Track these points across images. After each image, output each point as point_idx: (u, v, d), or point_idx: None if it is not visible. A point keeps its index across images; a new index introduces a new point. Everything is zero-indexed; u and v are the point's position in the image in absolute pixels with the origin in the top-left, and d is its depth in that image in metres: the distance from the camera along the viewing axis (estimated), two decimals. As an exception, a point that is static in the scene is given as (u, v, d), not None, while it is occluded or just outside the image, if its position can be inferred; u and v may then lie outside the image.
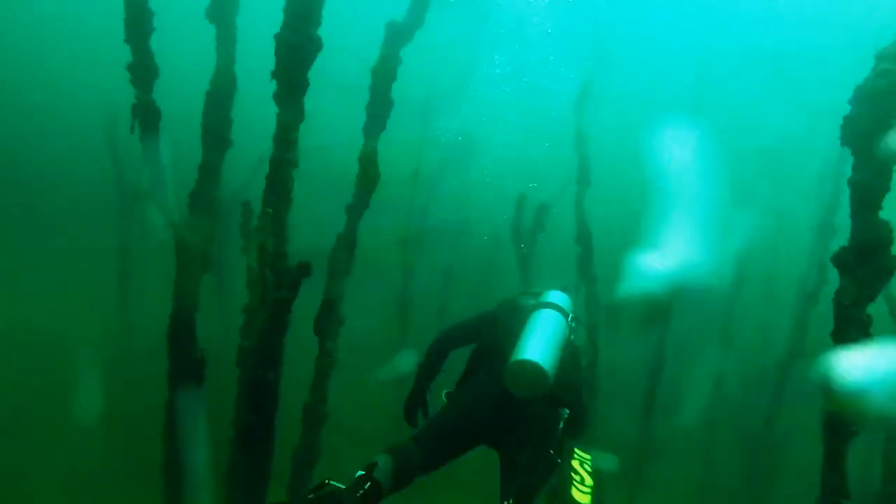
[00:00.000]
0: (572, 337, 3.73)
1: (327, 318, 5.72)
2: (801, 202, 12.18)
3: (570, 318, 3.68)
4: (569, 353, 3.55)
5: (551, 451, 3.24)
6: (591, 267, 8.76)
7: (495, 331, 3.71)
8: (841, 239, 3.31)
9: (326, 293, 5.82)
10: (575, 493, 3.00)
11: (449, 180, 13.25)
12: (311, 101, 4.10)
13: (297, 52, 4.05)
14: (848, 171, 3.09)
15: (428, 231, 12.58)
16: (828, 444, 3.09)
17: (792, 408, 10.07)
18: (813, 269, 9.46)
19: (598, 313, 8.79)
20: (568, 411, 3.40)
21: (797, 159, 13.17)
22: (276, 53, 4.04)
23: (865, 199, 2.99)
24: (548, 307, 3.60)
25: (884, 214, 3.04)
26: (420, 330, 11.80)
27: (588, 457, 3.26)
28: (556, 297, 3.77)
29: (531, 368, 3.18)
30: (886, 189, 2.96)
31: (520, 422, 3.30)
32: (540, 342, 3.31)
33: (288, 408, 4.78)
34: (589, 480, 3.07)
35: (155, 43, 4.61)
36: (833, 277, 8.87)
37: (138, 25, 4.50)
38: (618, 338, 9.45)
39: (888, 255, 2.94)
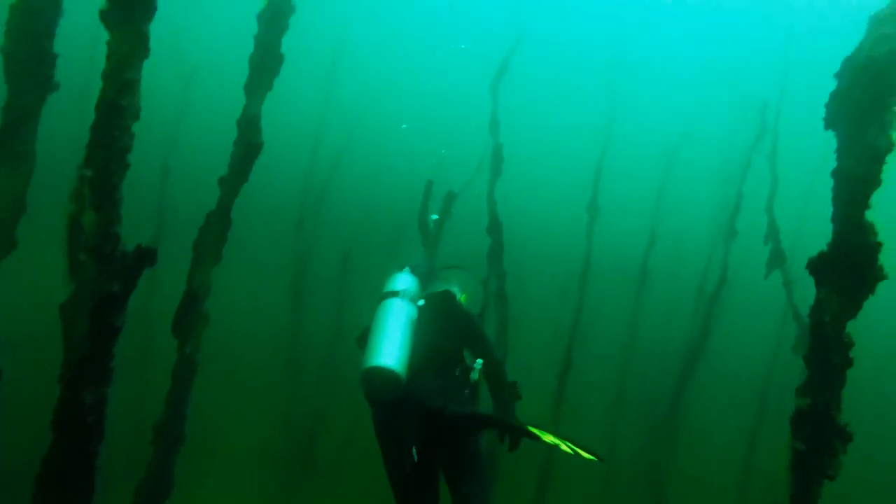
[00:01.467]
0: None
1: (189, 314, 4.62)
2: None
3: (415, 300, 3.70)
4: (428, 334, 3.57)
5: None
6: (500, 261, 8.17)
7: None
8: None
9: (190, 282, 4.72)
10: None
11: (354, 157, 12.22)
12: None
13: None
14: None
15: (327, 212, 11.53)
16: (797, 485, 2.56)
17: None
18: (714, 269, 9.43)
19: (507, 308, 8.26)
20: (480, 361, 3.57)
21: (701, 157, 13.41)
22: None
23: (852, 193, 2.47)
24: (389, 297, 3.65)
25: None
26: (315, 321, 10.83)
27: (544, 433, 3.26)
28: (400, 281, 3.79)
29: (376, 373, 3.33)
30: (877, 183, 2.44)
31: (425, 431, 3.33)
32: (382, 342, 3.40)
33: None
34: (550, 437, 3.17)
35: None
36: (734, 278, 8.66)
37: None
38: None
39: (875, 262, 2.43)
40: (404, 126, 9.70)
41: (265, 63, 5.07)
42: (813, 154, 8.52)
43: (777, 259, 6.55)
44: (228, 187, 4.97)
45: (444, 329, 3.67)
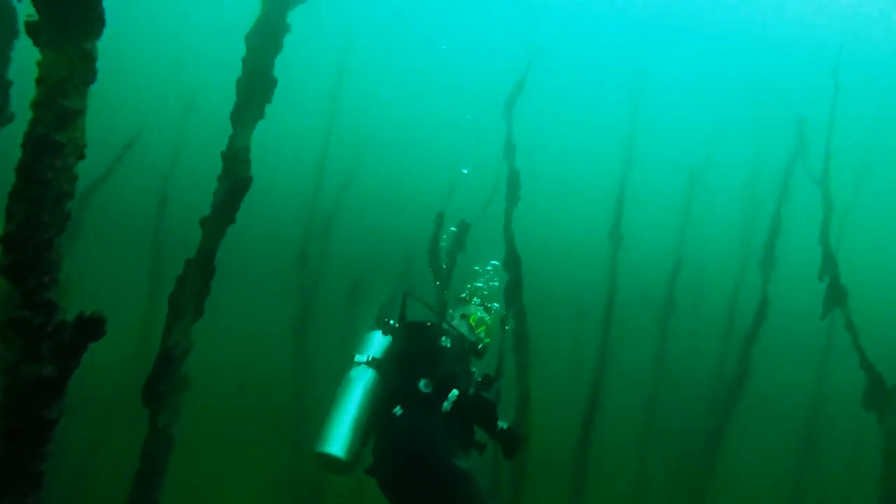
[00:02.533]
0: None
1: (162, 380, 3.97)
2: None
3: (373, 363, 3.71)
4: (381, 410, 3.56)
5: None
6: (520, 297, 7.47)
7: None
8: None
9: (164, 341, 4.08)
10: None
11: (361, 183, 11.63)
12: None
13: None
14: None
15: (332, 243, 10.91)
16: None
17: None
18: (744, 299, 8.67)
19: (527, 353, 7.55)
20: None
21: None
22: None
23: None
24: (353, 364, 3.74)
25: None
26: (319, 354, 10.13)
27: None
28: (367, 346, 3.83)
29: (323, 458, 3.46)
30: None
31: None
32: (335, 423, 3.49)
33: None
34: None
35: None
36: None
37: None
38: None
39: None
40: (465, 171, 9.13)
41: (255, 88, 4.49)
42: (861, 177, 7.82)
43: (836, 297, 5.80)
44: (212, 229, 4.36)
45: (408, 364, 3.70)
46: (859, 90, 7.12)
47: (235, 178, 4.38)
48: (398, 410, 3.50)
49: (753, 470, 10.48)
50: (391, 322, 3.99)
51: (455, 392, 3.51)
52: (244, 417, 9.51)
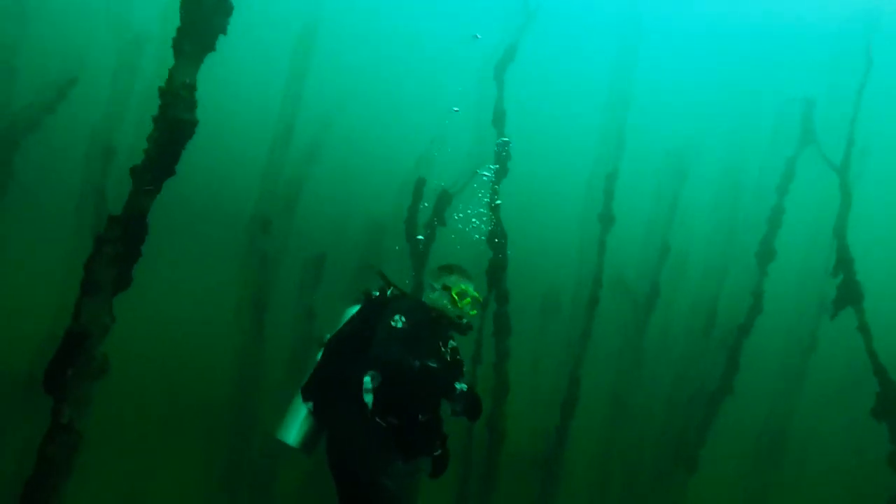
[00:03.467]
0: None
1: (70, 363, 3.18)
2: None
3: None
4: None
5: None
6: (503, 278, 6.82)
7: None
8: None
9: (76, 317, 3.28)
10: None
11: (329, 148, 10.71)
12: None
13: None
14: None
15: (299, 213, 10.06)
16: None
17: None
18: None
19: (506, 340, 6.91)
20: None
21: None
22: None
23: None
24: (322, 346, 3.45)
25: None
26: (279, 336, 9.35)
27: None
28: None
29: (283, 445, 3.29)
30: None
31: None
32: (293, 409, 3.33)
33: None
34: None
35: None
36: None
37: None
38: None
39: None
40: (456, 109, 8.24)
41: (204, 8, 3.64)
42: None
43: (851, 296, 5.29)
44: (144, 181, 3.54)
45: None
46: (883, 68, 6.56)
47: (175, 119, 3.56)
48: (335, 400, 3.23)
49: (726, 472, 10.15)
50: (374, 294, 3.55)
51: (368, 379, 3.18)
52: (180, 410, 8.71)
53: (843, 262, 5.43)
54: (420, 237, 7.38)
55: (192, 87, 3.65)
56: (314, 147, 10.92)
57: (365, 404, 3.15)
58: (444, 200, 7.40)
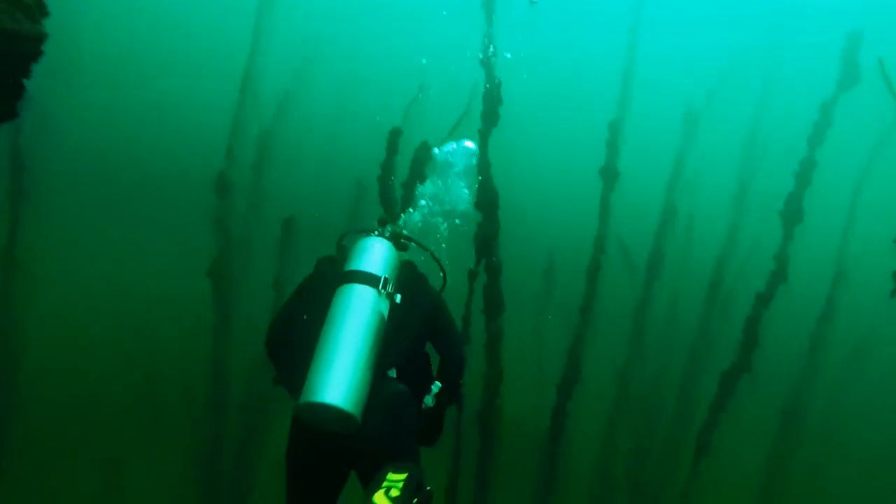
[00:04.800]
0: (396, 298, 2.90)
1: None
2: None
3: (382, 285, 2.83)
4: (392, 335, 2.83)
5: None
6: (494, 245, 5.80)
7: (303, 317, 2.94)
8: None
9: None
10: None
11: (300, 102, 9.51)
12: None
13: None
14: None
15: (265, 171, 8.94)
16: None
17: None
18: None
19: (499, 313, 5.95)
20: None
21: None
22: None
23: None
24: (355, 280, 2.80)
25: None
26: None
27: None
28: (366, 253, 2.91)
29: (330, 413, 2.53)
30: None
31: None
32: (334, 366, 2.56)
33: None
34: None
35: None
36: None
37: None
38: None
39: None
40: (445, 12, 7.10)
41: None
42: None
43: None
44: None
45: (410, 325, 2.96)
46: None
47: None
48: (392, 373, 2.86)
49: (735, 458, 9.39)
50: (404, 232, 3.30)
51: (438, 385, 3.05)
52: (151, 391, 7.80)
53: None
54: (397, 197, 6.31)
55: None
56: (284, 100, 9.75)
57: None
58: (423, 155, 6.32)
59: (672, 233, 9.79)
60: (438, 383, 3.07)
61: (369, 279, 2.79)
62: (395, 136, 6.07)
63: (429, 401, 3.02)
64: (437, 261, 3.38)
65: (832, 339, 9.16)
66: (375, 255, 2.89)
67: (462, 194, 4.68)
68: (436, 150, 4.87)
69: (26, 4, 2.47)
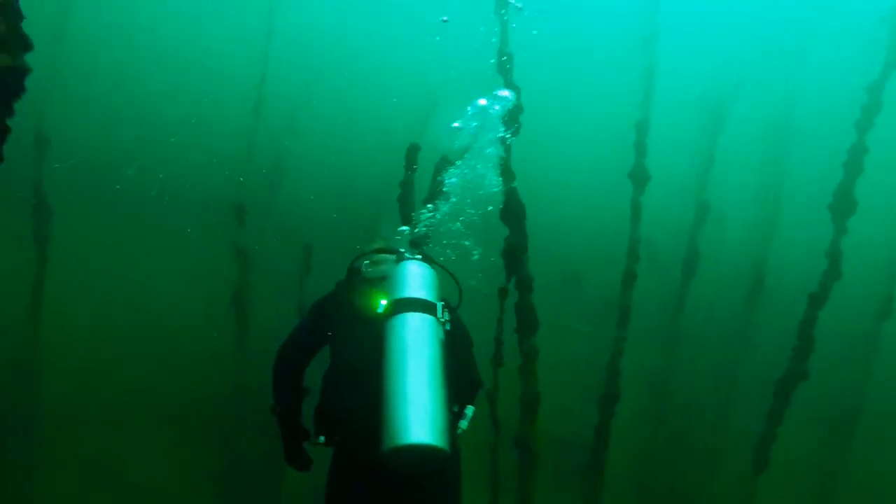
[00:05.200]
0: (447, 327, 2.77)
1: None
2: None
3: (441, 312, 2.73)
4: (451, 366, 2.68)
5: None
6: (524, 262, 5.41)
7: (335, 349, 2.90)
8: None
9: None
10: None
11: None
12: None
13: None
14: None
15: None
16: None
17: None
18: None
19: (533, 330, 5.56)
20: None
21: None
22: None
23: None
24: (407, 310, 2.60)
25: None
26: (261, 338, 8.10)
27: None
28: (414, 279, 2.73)
29: (423, 452, 2.33)
30: None
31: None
32: (418, 402, 2.37)
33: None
34: None
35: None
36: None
37: None
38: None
39: None
40: (445, 18, 6.84)
41: None
42: None
43: None
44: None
45: (457, 352, 2.89)
46: None
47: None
48: (455, 407, 2.78)
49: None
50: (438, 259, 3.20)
51: (472, 409, 2.93)
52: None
53: None
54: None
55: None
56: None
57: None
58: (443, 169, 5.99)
59: (704, 234, 9.33)
60: (472, 407, 2.95)
61: (425, 307, 2.64)
62: (412, 153, 5.74)
63: (464, 425, 2.89)
64: (456, 280, 3.24)
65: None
66: (425, 280, 2.77)
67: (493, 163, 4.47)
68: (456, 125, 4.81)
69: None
